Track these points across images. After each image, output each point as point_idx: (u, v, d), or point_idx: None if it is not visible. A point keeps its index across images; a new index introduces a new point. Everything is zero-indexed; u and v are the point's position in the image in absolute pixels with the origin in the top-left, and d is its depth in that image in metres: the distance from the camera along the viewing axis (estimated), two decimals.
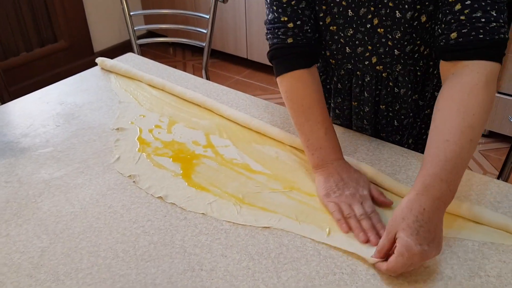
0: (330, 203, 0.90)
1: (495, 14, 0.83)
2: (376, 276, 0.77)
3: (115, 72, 1.41)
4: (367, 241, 0.83)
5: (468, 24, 0.83)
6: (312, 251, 0.82)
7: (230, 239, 0.84)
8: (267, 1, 1.01)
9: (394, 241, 0.76)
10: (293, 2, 0.97)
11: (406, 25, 0.95)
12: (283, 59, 0.99)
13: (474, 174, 0.98)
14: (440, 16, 0.88)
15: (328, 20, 1.00)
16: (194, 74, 1.46)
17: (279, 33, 0.98)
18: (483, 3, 0.83)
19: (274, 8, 0.99)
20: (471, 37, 0.83)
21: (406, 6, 0.93)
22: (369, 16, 0.97)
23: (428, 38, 0.99)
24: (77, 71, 1.43)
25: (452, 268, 0.78)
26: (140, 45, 2.00)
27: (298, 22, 0.98)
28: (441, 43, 0.87)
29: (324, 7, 1.00)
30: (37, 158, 1.06)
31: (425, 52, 1.02)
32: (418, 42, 0.99)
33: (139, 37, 2.00)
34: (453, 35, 0.84)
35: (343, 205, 0.89)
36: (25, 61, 3.01)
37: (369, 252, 0.80)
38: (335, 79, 1.11)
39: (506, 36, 0.84)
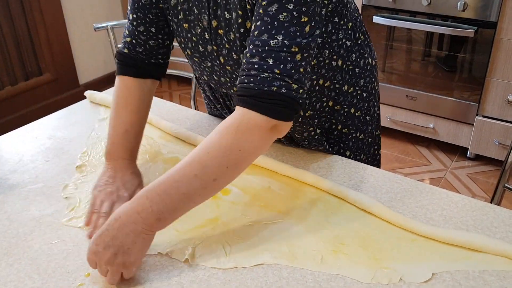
0: (92, 195, 0.97)
1: (271, 63, 0.80)
2: None
3: (105, 105, 1.40)
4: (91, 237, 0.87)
5: (246, 70, 0.83)
6: (313, 283, 0.80)
7: (228, 274, 0.82)
8: None
9: None
10: (134, 23, 1.07)
11: None
12: (119, 63, 1.10)
13: (469, 199, 0.98)
14: None
15: (189, 52, 1.07)
16: (181, 104, 1.46)
17: (123, 40, 1.10)
18: (260, 50, 0.81)
19: (127, 19, 1.10)
20: (244, 84, 0.83)
21: (236, 48, 0.95)
22: (215, 54, 1.00)
23: None
24: (63, 104, 1.42)
25: None
26: None
27: (134, 41, 1.08)
28: None
29: (182, 39, 1.06)
30: (27, 195, 1.04)
31: None
32: None
33: None
34: (238, 82, 0.85)
35: (97, 200, 0.96)
36: (9, 95, 2.98)
37: (360, 275, 0.79)
38: (221, 99, 1.19)
39: (283, 90, 0.80)
